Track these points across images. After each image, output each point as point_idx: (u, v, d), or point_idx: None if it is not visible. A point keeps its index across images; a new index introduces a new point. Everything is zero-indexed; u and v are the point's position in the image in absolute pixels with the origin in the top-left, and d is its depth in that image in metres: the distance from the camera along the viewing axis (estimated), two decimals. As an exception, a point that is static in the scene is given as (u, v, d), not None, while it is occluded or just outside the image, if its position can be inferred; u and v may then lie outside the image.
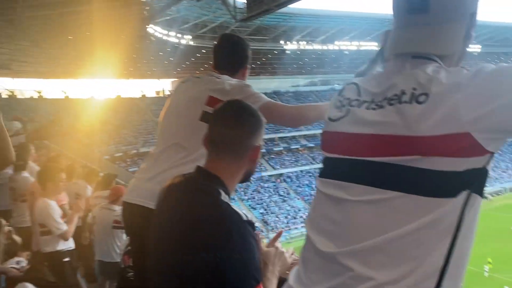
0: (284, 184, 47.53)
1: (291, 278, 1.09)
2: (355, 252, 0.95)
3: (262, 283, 1.24)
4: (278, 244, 1.52)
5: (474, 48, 71.01)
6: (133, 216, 1.99)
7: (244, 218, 1.24)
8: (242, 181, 1.46)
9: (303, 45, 58.18)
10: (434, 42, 1.04)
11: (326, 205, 1.07)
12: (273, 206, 42.55)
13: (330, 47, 60.06)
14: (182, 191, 1.34)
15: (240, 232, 1.21)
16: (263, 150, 41.59)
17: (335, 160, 1.11)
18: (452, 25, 1.04)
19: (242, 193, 44.12)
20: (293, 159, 51.73)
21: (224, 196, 1.28)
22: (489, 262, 28.21)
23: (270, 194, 45.20)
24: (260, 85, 63.22)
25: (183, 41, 47.69)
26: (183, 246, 1.22)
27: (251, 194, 44.46)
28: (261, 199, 43.98)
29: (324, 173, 1.14)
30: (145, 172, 2.05)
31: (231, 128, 1.38)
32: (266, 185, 46.72)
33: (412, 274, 0.90)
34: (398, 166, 0.94)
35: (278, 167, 49.59)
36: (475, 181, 0.93)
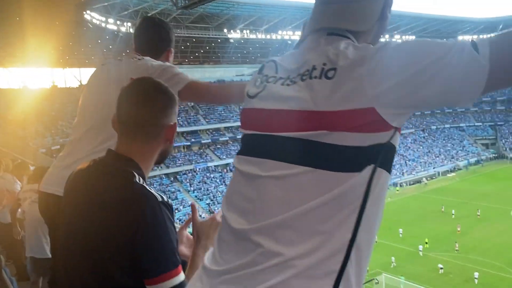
0: (230, 174, 47.61)
1: (206, 259, 1.08)
2: (265, 228, 0.95)
3: (182, 265, 1.23)
4: (218, 216, 1.43)
5: (409, 38, 74.62)
6: (49, 206, 1.89)
7: (159, 199, 1.20)
8: (158, 162, 1.40)
9: (247, 34, 58.22)
10: (348, 18, 1.07)
11: (240, 182, 1.06)
12: (219, 196, 42.57)
13: (274, 36, 60.58)
14: (91, 176, 1.28)
15: (155, 213, 1.17)
16: (209, 140, 41.43)
17: (250, 137, 1.11)
18: (367, 3, 1.08)
19: (188, 184, 43.74)
20: (239, 148, 51.91)
21: (138, 178, 1.23)
22: (426, 243, 30.18)
23: (217, 184, 45.15)
24: (205, 74, 62.61)
25: (123, 29, 46.01)
26: (96, 230, 1.17)
27: (197, 185, 44.20)
28: (208, 190, 43.84)
29: (240, 151, 1.14)
30: (63, 160, 1.95)
31: (141, 107, 1.31)
32: (212, 175, 46.60)
33: (320, 249, 0.90)
34: (306, 141, 0.94)
35: (224, 157, 49.56)
36: (380, 156, 0.94)
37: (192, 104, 54.89)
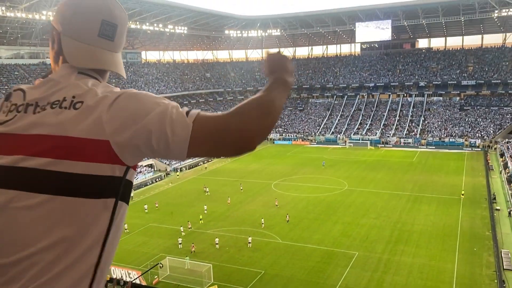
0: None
1: None
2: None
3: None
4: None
5: (181, 29, 77.84)
6: None
7: None
8: None
9: (2, 10, 50.12)
10: (92, 60, 1.23)
11: None
12: None
13: (37, 16, 54.02)
14: None
15: None
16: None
17: None
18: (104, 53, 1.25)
19: None
20: None
21: None
22: (200, 219, 32.75)
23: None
24: None
25: None
26: None
27: None
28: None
29: None
30: None
31: None
32: None
33: (69, 276, 1.04)
34: (43, 169, 1.03)
35: None
36: (120, 191, 1.11)
37: None
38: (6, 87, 52.06)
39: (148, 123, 1.06)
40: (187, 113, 1.09)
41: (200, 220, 32.93)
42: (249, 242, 28.10)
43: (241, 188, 41.89)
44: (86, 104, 1.10)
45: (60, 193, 1.02)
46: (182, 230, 30.65)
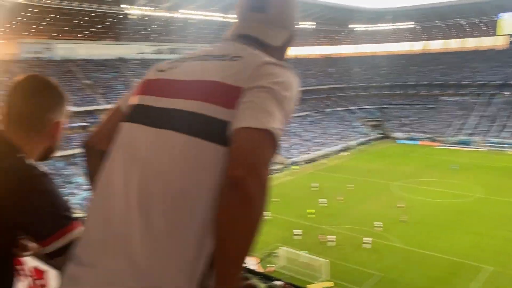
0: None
1: None
2: None
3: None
4: None
5: (310, 25, 78.05)
6: None
7: (42, 170, 1.27)
8: (42, 158, 1.42)
9: (148, 10, 55.92)
10: (265, 32, 1.26)
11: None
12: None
13: (176, 15, 59.08)
14: None
15: (40, 180, 1.24)
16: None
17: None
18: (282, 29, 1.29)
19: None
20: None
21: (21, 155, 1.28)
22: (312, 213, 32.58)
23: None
24: (103, 51, 58.92)
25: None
26: None
27: (96, 167, 41.94)
28: (107, 172, 41.85)
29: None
30: None
31: (28, 99, 1.35)
32: (112, 157, 44.55)
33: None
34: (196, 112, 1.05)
35: (124, 138, 47.57)
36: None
37: (90, 82, 51.57)
38: (148, 79, 58.01)
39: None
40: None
41: (312, 214, 32.66)
42: (366, 243, 26.98)
43: (351, 186, 40.45)
44: (244, 59, 1.11)
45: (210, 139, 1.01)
46: (299, 222, 30.72)
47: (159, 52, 67.41)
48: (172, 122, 1.05)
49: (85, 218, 1.09)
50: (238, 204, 0.87)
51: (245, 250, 0.91)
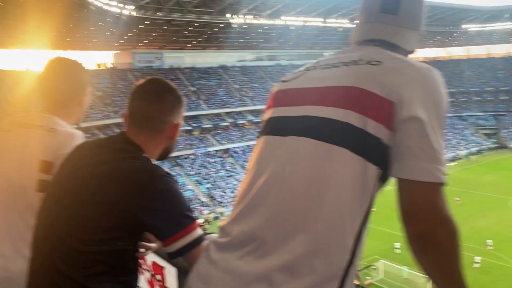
0: (230, 159, 47.78)
1: None
2: None
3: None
4: None
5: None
6: None
7: (166, 171, 1.31)
8: (161, 158, 1.49)
9: (249, 19, 57.71)
10: (398, 35, 1.21)
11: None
12: (219, 181, 42.76)
13: (277, 21, 60.07)
14: (103, 148, 1.35)
15: (166, 179, 1.27)
16: (209, 125, 41.25)
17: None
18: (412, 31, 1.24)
19: (189, 168, 43.90)
20: (240, 134, 51.96)
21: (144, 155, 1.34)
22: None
23: (217, 169, 45.31)
24: (207, 59, 62.28)
25: (125, 12, 45.63)
26: (106, 198, 1.21)
27: (198, 169, 44.35)
28: (208, 174, 44.02)
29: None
30: None
31: (150, 103, 1.40)
32: (212, 160, 46.74)
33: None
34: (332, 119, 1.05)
35: (224, 142, 49.62)
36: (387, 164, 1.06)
37: (194, 88, 54.77)
38: (248, 85, 59.94)
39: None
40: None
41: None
42: (476, 262, 24.50)
43: (458, 199, 36.96)
44: (384, 64, 1.06)
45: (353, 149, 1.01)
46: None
47: (259, 59, 69.16)
48: (302, 129, 1.06)
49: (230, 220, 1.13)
50: (438, 256, 1.00)
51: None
